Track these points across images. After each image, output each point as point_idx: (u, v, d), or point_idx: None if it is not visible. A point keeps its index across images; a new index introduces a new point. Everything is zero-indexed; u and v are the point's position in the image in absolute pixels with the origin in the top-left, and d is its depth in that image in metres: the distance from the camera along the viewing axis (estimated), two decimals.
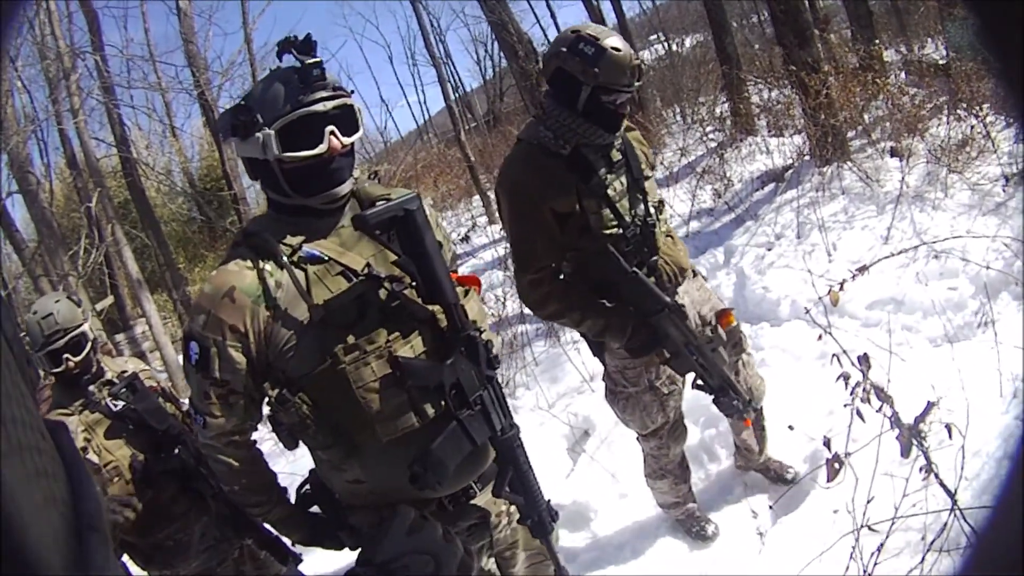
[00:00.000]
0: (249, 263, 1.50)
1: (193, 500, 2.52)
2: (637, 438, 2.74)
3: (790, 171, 6.57)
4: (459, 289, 1.60)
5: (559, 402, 4.16)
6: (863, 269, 2.99)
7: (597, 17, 14.87)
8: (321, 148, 1.45)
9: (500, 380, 4.36)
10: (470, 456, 1.55)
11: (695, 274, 2.63)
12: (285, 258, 1.48)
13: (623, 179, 2.31)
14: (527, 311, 5.42)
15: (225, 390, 1.52)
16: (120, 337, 12.54)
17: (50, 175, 14.03)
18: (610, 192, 2.26)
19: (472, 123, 25.25)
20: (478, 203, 12.68)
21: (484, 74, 28.79)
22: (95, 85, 9.84)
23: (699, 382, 2.44)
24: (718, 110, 9.56)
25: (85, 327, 2.53)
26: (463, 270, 7.77)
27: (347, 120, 1.49)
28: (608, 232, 2.26)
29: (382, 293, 1.51)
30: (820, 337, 2.43)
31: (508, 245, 2.45)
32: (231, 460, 1.60)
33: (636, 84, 2.22)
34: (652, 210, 2.36)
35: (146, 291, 10.34)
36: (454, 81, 26.41)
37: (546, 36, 24.43)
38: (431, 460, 1.48)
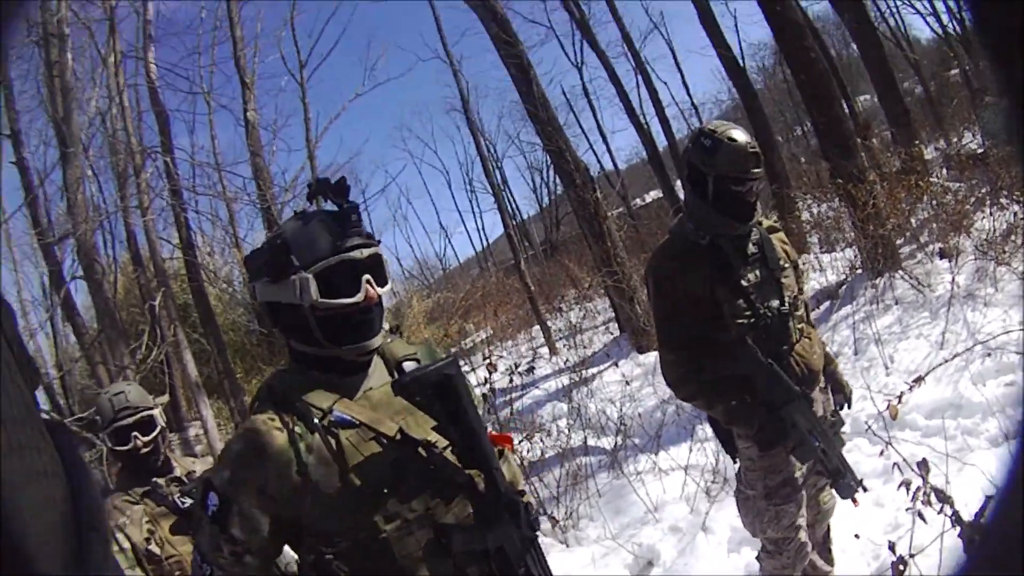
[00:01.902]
0: (279, 423, 1.42)
1: None
2: (758, 556, 2.67)
3: (843, 287, 6.55)
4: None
5: (623, 532, 4.10)
6: (919, 380, 2.97)
7: (648, 140, 15.24)
8: (359, 296, 1.42)
9: (564, 511, 4.51)
10: None
11: (826, 386, 2.64)
12: (316, 420, 1.42)
13: (758, 271, 2.40)
14: (591, 442, 5.58)
15: (241, 548, 1.42)
16: (173, 437, 12.51)
17: (115, 267, 14.53)
18: (743, 283, 2.35)
19: (530, 251, 25.07)
20: (538, 333, 12.73)
21: (540, 201, 28.81)
22: (164, 187, 10.29)
23: (817, 467, 2.42)
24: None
25: (155, 412, 2.55)
26: (525, 401, 7.63)
27: (378, 270, 1.47)
28: (740, 322, 2.33)
29: (418, 458, 1.45)
30: (882, 452, 2.36)
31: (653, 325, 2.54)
32: None
33: (756, 171, 2.33)
34: (787, 304, 2.42)
35: (204, 395, 10.45)
36: (512, 208, 26.51)
37: (600, 163, 24.91)
38: None
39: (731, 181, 2.30)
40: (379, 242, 1.49)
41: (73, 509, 0.54)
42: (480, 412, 1.66)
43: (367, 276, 1.43)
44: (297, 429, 1.41)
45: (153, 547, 2.36)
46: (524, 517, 1.48)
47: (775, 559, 2.56)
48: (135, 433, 2.46)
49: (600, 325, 11.39)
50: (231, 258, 19.05)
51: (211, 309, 12.55)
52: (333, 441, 1.41)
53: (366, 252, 1.43)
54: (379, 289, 1.45)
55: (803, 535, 2.51)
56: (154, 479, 2.51)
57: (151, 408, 2.53)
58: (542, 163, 26.76)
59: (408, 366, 1.52)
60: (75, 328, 11.20)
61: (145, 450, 2.49)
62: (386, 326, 1.57)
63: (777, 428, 2.30)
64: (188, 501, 2.43)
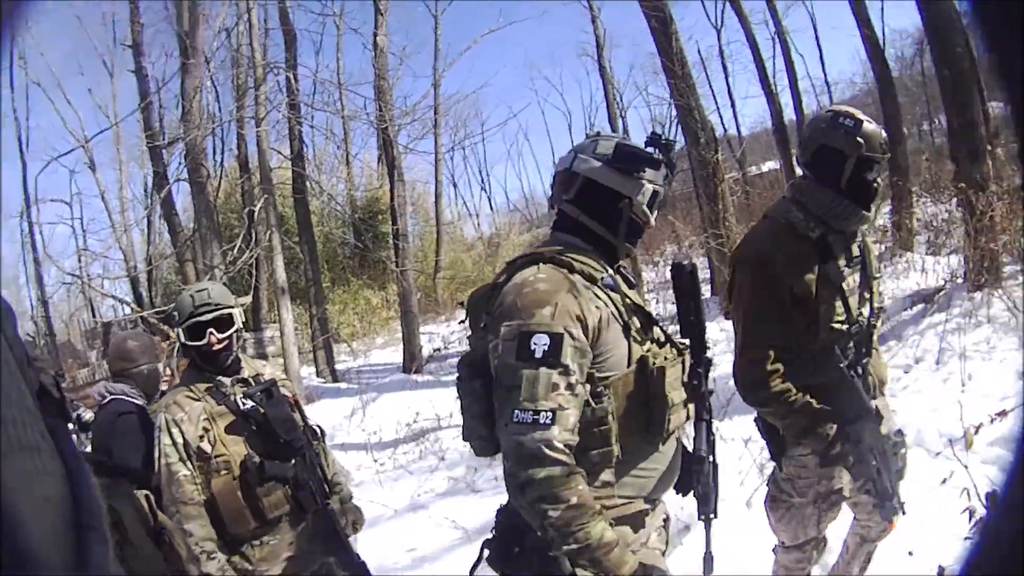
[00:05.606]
0: (567, 275, 1.65)
1: (292, 510, 2.47)
2: (773, 549, 2.59)
3: (941, 293, 6.36)
4: None
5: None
6: (1003, 414, 2.88)
7: (778, 111, 14.77)
8: (652, 223, 1.80)
9: None
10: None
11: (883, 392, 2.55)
12: (599, 281, 1.68)
13: (857, 275, 2.31)
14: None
15: (573, 379, 1.53)
16: (247, 336, 12.89)
17: (220, 173, 14.99)
18: (845, 285, 2.25)
19: None
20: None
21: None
22: (283, 100, 10.48)
23: (867, 485, 2.32)
24: (880, 221, 9.25)
25: (235, 311, 2.52)
26: None
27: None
28: (834, 327, 2.24)
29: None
30: (944, 481, 2.27)
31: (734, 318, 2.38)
32: (558, 471, 1.49)
33: (886, 158, 2.26)
34: (876, 312, 2.35)
35: (287, 299, 10.67)
36: None
37: (724, 126, 24.72)
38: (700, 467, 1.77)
39: (867, 165, 2.18)
40: None
41: (73, 509, 0.55)
42: None
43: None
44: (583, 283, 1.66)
45: (205, 444, 2.38)
46: (707, 374, 1.85)
47: (793, 553, 2.52)
48: (211, 330, 2.44)
49: None
50: (340, 174, 19.41)
51: (310, 219, 12.94)
52: (609, 297, 1.68)
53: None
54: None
55: (825, 532, 2.50)
56: (219, 378, 2.50)
57: (231, 307, 2.51)
58: (666, 118, 26.71)
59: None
60: (171, 227, 11.67)
61: (218, 347, 2.47)
62: None
63: (844, 444, 2.22)
64: (249, 403, 2.44)
